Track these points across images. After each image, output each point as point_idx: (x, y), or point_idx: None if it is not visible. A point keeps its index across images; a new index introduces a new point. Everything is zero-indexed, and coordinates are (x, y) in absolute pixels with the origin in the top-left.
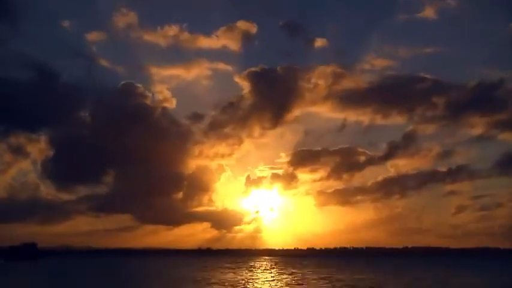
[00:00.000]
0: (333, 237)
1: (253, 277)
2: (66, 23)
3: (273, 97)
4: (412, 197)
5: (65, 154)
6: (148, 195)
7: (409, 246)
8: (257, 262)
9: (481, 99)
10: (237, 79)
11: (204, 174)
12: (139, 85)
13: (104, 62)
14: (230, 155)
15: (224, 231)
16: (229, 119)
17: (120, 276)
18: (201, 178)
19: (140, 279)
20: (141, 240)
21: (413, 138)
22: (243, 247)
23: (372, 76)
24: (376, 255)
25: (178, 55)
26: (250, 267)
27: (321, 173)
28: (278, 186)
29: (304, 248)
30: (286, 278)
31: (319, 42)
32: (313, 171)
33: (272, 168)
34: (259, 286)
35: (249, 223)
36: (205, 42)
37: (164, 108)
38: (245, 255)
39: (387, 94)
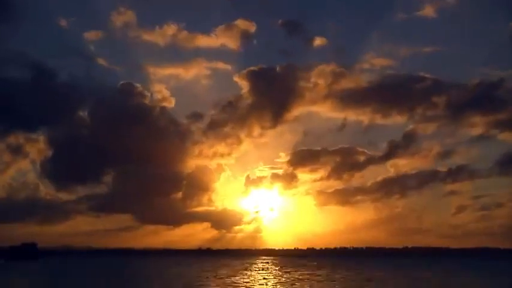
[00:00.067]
0: (333, 237)
1: (253, 277)
2: (64, 22)
3: (273, 96)
4: (412, 197)
5: (64, 154)
6: (148, 195)
7: (409, 246)
8: (257, 262)
9: (481, 99)
10: (236, 78)
11: (204, 174)
12: (138, 85)
13: (102, 61)
14: (229, 154)
15: (224, 231)
16: (228, 118)
17: (120, 276)
18: (201, 178)
19: (140, 279)
20: (141, 240)
21: (413, 138)
22: (243, 247)
23: (371, 75)
24: (376, 255)
25: (177, 54)
26: (250, 267)
27: (321, 172)
28: (278, 186)
29: (304, 248)
30: (286, 279)
31: (319, 41)
32: (313, 171)
33: (272, 168)
34: (259, 286)
35: (249, 223)
36: (204, 41)
37: (163, 108)
38: (245, 255)
39: (387, 93)
